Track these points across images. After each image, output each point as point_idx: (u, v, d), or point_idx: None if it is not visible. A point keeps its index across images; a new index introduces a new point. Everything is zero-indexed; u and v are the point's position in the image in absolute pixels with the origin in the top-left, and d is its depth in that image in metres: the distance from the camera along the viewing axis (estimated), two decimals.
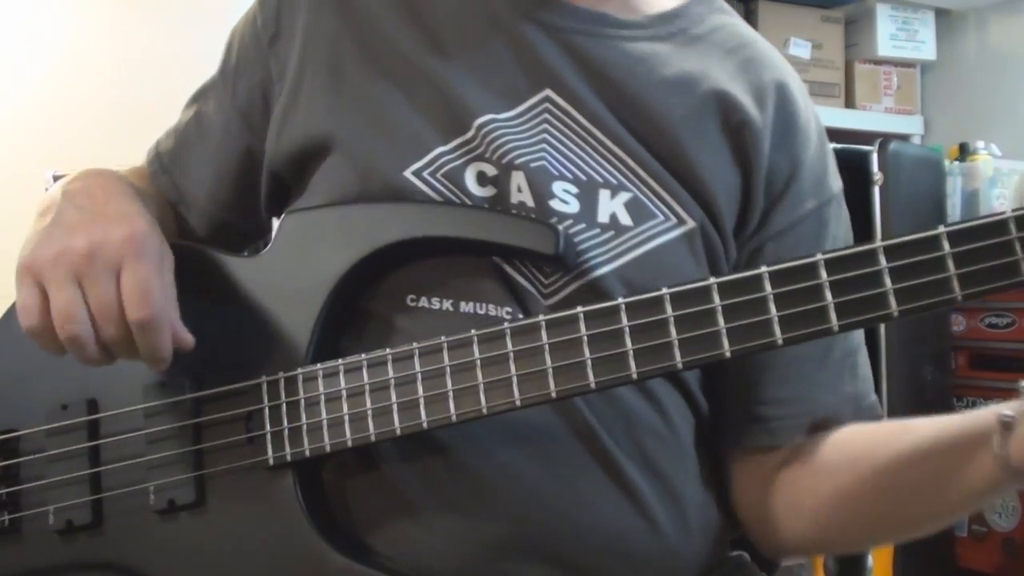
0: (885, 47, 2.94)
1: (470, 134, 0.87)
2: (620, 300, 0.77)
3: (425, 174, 0.86)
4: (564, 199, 0.86)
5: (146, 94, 2.16)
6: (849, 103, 2.93)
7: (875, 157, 2.61)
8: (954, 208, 2.71)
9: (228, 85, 1.00)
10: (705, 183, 0.88)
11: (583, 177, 0.87)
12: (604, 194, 0.87)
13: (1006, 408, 0.73)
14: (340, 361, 0.82)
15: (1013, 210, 0.68)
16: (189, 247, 0.92)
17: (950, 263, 0.69)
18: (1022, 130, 2.84)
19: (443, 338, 0.80)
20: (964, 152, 2.78)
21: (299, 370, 0.83)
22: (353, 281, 0.85)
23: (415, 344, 0.80)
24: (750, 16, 2.84)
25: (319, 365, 0.83)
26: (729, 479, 0.93)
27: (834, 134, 3.23)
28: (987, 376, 2.56)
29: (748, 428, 0.91)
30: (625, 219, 0.86)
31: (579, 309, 0.77)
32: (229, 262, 0.91)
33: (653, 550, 0.85)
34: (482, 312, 0.83)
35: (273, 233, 0.91)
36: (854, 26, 2.97)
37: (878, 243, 0.71)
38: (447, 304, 0.84)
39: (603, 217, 0.86)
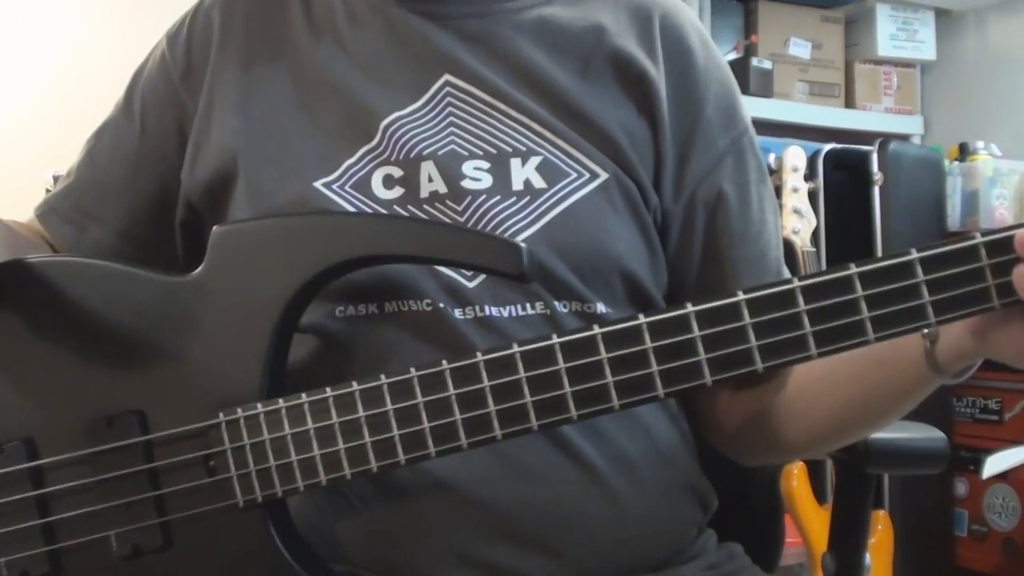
0: (885, 47, 2.94)
1: (376, 140, 0.89)
2: (596, 330, 0.74)
3: (335, 186, 0.88)
4: (475, 176, 0.88)
5: None
6: (849, 103, 2.94)
7: (875, 157, 2.61)
8: (954, 208, 2.71)
9: (134, 122, 0.99)
10: (611, 136, 0.90)
11: (493, 151, 0.89)
12: (515, 163, 0.88)
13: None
14: (304, 396, 0.77)
15: (982, 233, 0.70)
16: (110, 267, 0.85)
17: (924, 291, 0.70)
18: (1022, 130, 2.84)
19: (413, 371, 0.76)
20: (964, 152, 2.78)
21: (259, 407, 0.78)
22: (303, 300, 0.81)
23: (383, 378, 0.77)
24: (750, 16, 2.84)
25: (281, 401, 0.78)
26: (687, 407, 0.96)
27: (834, 134, 3.22)
28: (987, 376, 2.57)
29: None
30: (539, 182, 0.88)
31: (555, 340, 0.75)
32: (160, 283, 0.83)
33: (609, 516, 0.85)
34: (405, 309, 0.85)
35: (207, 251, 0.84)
36: (854, 26, 2.97)
37: (853, 269, 0.72)
38: (372, 308, 0.85)
39: (517, 185, 0.88)
